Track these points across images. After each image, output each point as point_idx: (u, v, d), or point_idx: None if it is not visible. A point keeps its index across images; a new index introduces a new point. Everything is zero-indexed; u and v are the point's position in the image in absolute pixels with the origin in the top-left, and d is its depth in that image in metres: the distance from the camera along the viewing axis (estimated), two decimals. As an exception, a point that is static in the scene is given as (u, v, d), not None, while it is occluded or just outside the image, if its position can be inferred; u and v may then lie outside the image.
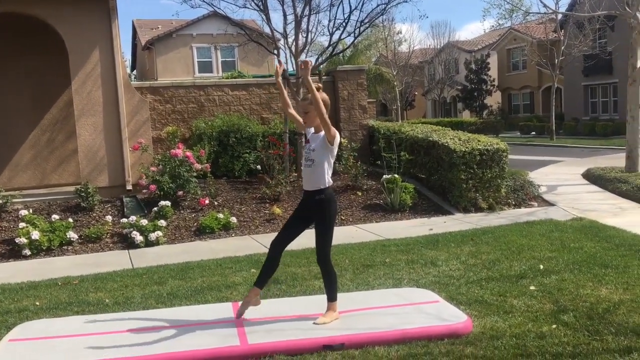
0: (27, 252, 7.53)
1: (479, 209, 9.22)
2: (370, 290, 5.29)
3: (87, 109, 9.42)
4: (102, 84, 9.45)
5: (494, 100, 37.31)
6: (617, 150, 18.10)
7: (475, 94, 36.16)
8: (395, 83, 32.47)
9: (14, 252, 7.60)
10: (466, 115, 39.05)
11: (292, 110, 4.66)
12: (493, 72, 36.80)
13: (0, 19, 9.47)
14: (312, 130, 4.45)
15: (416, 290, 5.11)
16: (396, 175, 9.63)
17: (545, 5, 18.95)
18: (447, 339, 4.03)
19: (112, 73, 9.46)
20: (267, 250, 7.16)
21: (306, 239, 7.76)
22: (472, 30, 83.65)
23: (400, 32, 35.97)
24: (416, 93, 41.34)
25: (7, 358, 3.89)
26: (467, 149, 9.22)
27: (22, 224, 7.94)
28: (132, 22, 35.15)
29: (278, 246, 4.46)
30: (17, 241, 7.59)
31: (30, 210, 8.56)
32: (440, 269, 5.91)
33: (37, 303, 5.38)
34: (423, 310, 4.50)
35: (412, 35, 70.37)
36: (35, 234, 7.59)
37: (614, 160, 14.28)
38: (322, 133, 4.32)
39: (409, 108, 40.81)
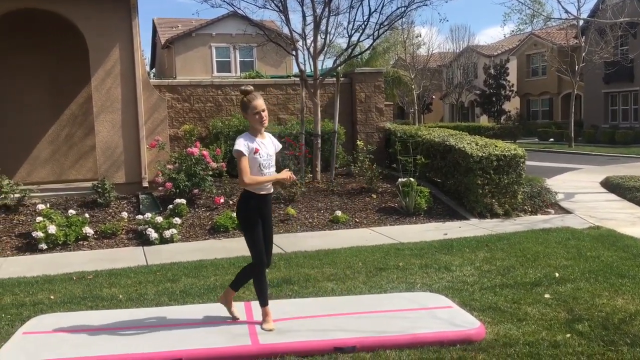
0: (44, 246, 7.61)
1: (494, 215, 9.15)
2: (383, 294, 5.26)
3: (106, 105, 9.50)
4: (122, 82, 9.53)
5: (512, 105, 37.01)
6: (636, 158, 17.87)
7: (494, 99, 35.89)
8: (412, 86, 32.36)
9: (30, 246, 7.68)
10: (484, 120, 38.78)
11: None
12: (512, 78, 36.51)
13: (23, 14, 9.60)
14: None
15: (429, 295, 5.08)
16: (412, 179, 9.59)
17: (566, 11, 18.80)
18: (459, 345, 4.00)
19: (131, 71, 9.54)
20: (280, 251, 7.21)
21: (320, 239, 7.78)
22: (491, 34, 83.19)
23: (420, 36, 35.84)
24: (434, 97, 41.16)
25: (22, 350, 3.93)
26: (484, 154, 9.15)
27: (39, 218, 8.03)
28: (153, 20, 35.46)
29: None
30: (33, 235, 7.68)
31: (48, 205, 8.65)
32: (454, 274, 5.87)
33: (52, 297, 5.44)
34: (436, 315, 4.47)
35: (431, 38, 70.33)
36: (52, 229, 7.67)
37: (634, 169, 14.09)
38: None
39: (426, 112, 40.64)
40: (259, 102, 4.22)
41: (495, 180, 9.16)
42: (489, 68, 36.30)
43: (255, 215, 4.27)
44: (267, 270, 4.49)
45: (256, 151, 4.19)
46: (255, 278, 4.35)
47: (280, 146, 4.50)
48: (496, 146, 9.52)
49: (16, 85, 10.27)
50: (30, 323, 4.51)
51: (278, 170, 4.41)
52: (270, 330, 4.22)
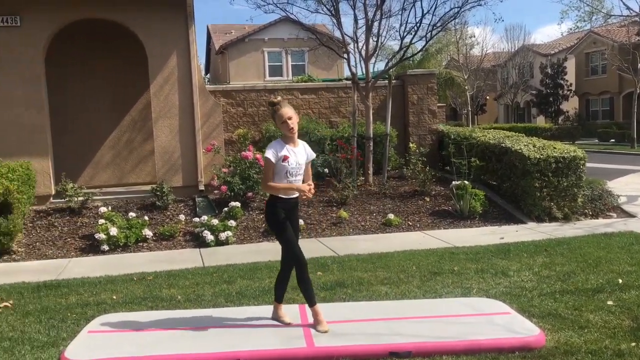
0: (106, 247, 7.90)
1: (553, 219, 8.90)
2: (438, 299, 5.20)
3: (164, 111, 9.78)
4: (179, 88, 9.79)
5: (570, 105, 35.86)
6: None
7: (551, 99, 34.89)
8: (466, 87, 31.81)
9: (93, 247, 7.99)
10: (540, 121, 37.72)
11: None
12: (570, 77, 35.38)
13: (86, 24, 10.01)
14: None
15: (486, 301, 4.98)
16: (466, 182, 9.44)
17: (628, 8, 18.06)
18: (518, 352, 3.91)
19: (188, 77, 9.79)
20: (333, 254, 7.24)
21: (372, 243, 7.76)
22: (548, 33, 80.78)
23: (473, 36, 35.19)
24: (487, 97, 40.32)
25: (87, 349, 4.09)
26: (542, 156, 8.92)
27: (101, 221, 8.35)
28: (207, 27, 36.22)
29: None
30: (96, 237, 7.98)
31: (109, 208, 8.97)
32: (511, 280, 5.74)
33: (114, 297, 5.64)
34: (493, 321, 4.38)
35: (485, 38, 68.91)
36: (114, 231, 7.95)
37: (703, 171, 13.41)
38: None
39: (479, 113, 39.87)
40: (285, 110, 4.27)
41: (554, 183, 8.91)
42: (546, 67, 35.32)
43: (284, 217, 4.35)
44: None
45: (285, 159, 4.26)
46: (301, 279, 4.37)
47: (314, 155, 4.53)
48: (555, 148, 9.26)
49: (81, 93, 10.71)
50: (94, 322, 4.69)
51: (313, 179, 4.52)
52: (326, 331, 4.24)
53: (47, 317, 5.05)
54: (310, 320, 4.48)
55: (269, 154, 4.26)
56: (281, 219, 4.35)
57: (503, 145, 9.75)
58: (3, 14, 9.07)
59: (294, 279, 5.94)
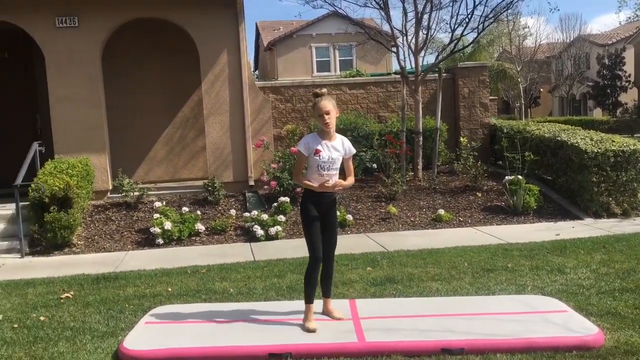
0: (160, 241, 8.12)
1: (611, 215, 8.59)
2: (491, 296, 5.11)
3: (215, 108, 9.95)
4: (229, 85, 9.94)
5: (629, 97, 34.41)
6: None
7: (608, 90, 33.61)
8: (519, 79, 31.01)
9: (148, 241, 8.22)
10: (597, 114, 36.39)
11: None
12: (629, 67, 33.95)
13: (141, 23, 10.27)
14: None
15: (541, 298, 4.86)
16: (519, 177, 9.22)
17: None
18: (575, 352, 3.80)
19: (238, 74, 9.92)
20: (382, 249, 7.21)
21: (422, 238, 7.68)
22: (605, 22, 77.63)
23: (527, 27, 34.22)
24: (541, 90, 39.20)
25: (145, 339, 4.22)
26: (599, 150, 8.62)
27: (156, 215, 8.58)
28: (256, 24, 36.61)
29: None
30: (151, 230, 8.21)
31: (164, 202, 9.21)
32: (568, 277, 5.58)
33: (169, 289, 5.79)
34: (549, 319, 4.27)
35: (539, 29, 66.90)
36: (168, 225, 8.16)
37: None
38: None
39: (533, 106, 38.81)
40: (323, 104, 4.24)
41: (613, 177, 8.60)
42: (603, 58, 34.04)
43: (312, 211, 4.33)
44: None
45: (317, 152, 4.25)
46: (307, 272, 4.36)
47: (353, 151, 4.47)
48: (613, 141, 8.92)
49: (135, 90, 11.01)
50: (151, 313, 4.83)
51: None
52: (314, 330, 4.20)
53: (106, 308, 5.23)
54: (362, 314, 4.48)
55: (301, 146, 4.29)
56: (310, 214, 4.34)
57: (559, 138, 9.47)
58: (62, 14, 9.41)
59: (341, 274, 5.97)
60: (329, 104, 4.24)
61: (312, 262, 4.34)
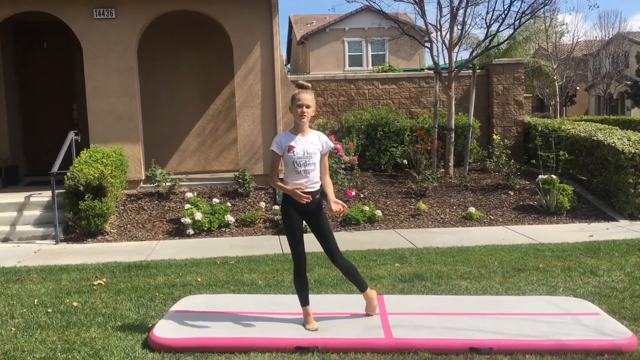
0: (191, 231, 8.22)
1: (648, 217, 8.39)
2: (521, 296, 5.04)
3: (247, 101, 10.01)
4: (262, 78, 9.98)
5: (670, 97, 33.46)
6: None
7: (648, 90, 32.74)
8: (555, 77, 30.40)
9: (179, 231, 8.34)
10: (635, 114, 35.40)
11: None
12: (670, 66, 33.01)
13: (175, 16, 10.39)
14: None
15: (573, 300, 4.77)
16: (553, 176, 9.05)
17: None
18: (607, 355, 3.73)
19: (271, 68, 9.95)
20: (411, 246, 7.17)
21: (452, 236, 7.61)
22: (646, 19, 75.43)
23: (565, 23, 33.51)
24: (578, 88, 38.36)
25: (174, 328, 4.29)
26: (637, 151, 8.41)
27: (187, 206, 8.69)
28: (289, 17, 36.64)
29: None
30: (182, 221, 8.32)
31: (195, 194, 9.32)
32: (601, 279, 5.47)
33: (199, 279, 5.86)
34: (581, 321, 4.19)
35: (577, 26, 65.44)
36: (198, 216, 8.26)
37: None
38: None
39: (568, 104, 38.01)
40: (305, 96, 4.12)
41: (650, 179, 8.38)
42: (643, 56, 33.13)
43: (291, 215, 4.24)
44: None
45: (290, 149, 4.13)
46: (293, 276, 4.36)
47: (331, 146, 4.32)
48: (652, 142, 8.70)
49: (169, 82, 11.15)
50: (181, 302, 4.90)
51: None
52: (315, 329, 4.18)
53: (137, 296, 5.33)
54: (390, 310, 4.47)
55: (274, 146, 4.17)
56: (289, 216, 4.25)
57: (595, 138, 9.26)
58: (100, 6, 9.57)
59: (369, 269, 5.96)
60: (310, 99, 4.15)
61: (294, 265, 4.32)
